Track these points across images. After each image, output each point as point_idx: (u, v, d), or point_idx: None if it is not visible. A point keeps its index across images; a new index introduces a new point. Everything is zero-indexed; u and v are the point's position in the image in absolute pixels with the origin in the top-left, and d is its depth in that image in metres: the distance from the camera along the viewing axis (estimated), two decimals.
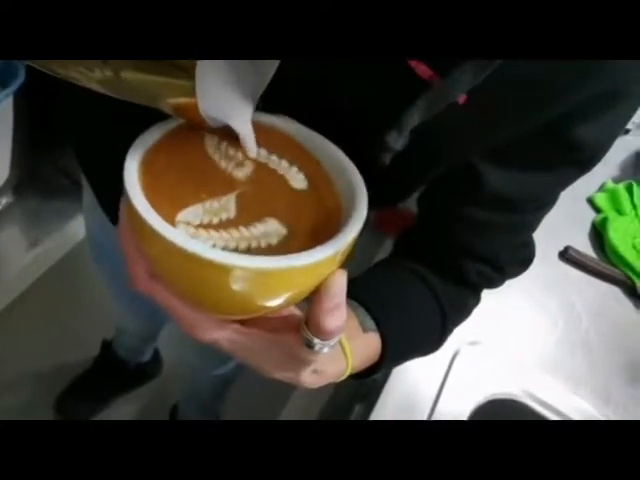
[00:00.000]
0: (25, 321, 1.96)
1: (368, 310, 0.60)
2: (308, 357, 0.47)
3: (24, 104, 1.67)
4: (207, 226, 0.44)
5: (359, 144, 0.50)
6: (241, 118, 0.48)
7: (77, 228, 2.01)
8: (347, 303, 0.47)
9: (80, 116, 0.80)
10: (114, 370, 1.85)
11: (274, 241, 0.44)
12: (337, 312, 0.43)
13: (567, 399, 1.00)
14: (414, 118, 0.53)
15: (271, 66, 0.47)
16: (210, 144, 0.50)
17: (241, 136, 0.48)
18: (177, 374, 1.82)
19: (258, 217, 0.46)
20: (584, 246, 1.29)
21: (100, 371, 1.88)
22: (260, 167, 0.50)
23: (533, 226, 0.69)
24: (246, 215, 0.46)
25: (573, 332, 1.13)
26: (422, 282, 0.67)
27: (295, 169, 0.50)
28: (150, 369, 1.93)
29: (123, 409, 1.89)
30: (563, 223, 1.31)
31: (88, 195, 1.05)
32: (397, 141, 0.54)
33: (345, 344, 0.54)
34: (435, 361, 0.98)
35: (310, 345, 0.44)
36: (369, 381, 1.05)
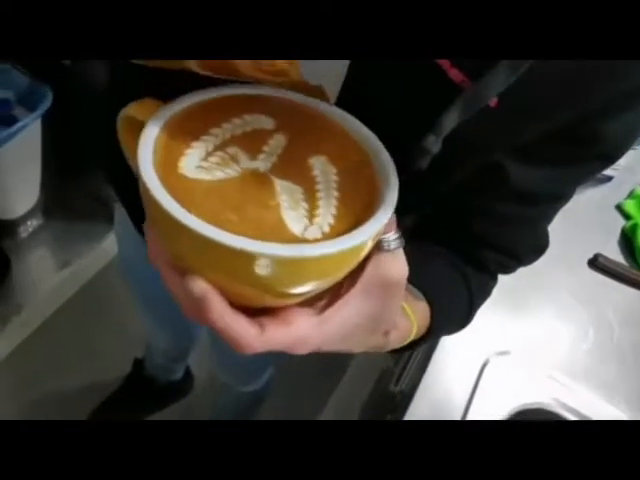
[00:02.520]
0: (56, 341, 1.98)
1: (417, 285, 0.62)
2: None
3: (52, 127, 1.70)
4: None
5: (395, 149, 0.51)
6: None
7: (106, 249, 2.03)
8: None
9: (110, 135, 0.82)
10: (145, 388, 1.87)
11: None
12: None
13: (600, 408, 0.99)
14: (451, 122, 0.53)
15: None
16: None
17: None
18: (208, 393, 1.83)
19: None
20: (614, 253, 1.27)
21: (131, 389, 1.89)
22: (288, 128, 0.48)
23: (550, 218, 0.70)
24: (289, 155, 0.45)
25: (604, 340, 1.11)
26: (457, 269, 0.69)
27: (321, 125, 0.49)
28: (181, 387, 1.94)
29: None
30: (592, 231, 1.30)
31: (120, 211, 1.07)
32: (435, 145, 0.54)
33: (407, 306, 0.56)
34: (464, 372, 0.98)
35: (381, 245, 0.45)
36: (397, 392, 1.04)
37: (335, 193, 0.44)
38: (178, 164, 0.42)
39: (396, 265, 0.47)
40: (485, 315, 1.04)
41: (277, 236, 0.40)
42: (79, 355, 1.97)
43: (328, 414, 1.87)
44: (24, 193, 1.84)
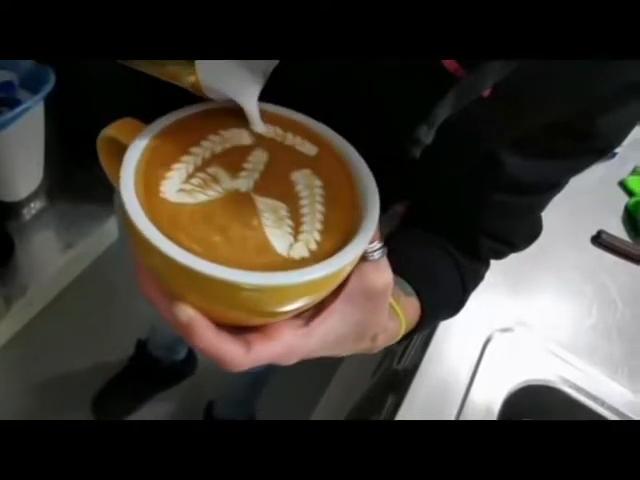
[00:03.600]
0: (61, 322, 1.98)
1: (407, 280, 0.62)
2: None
3: (55, 110, 1.69)
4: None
5: (388, 138, 0.50)
6: (247, 94, 0.46)
7: (110, 230, 2.03)
8: None
9: (113, 117, 0.82)
10: (149, 369, 1.88)
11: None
12: None
13: (602, 384, 0.99)
14: (444, 112, 0.53)
15: None
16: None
17: (246, 111, 0.46)
18: (211, 372, 1.84)
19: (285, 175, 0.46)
20: (617, 230, 1.27)
21: (135, 370, 1.90)
22: (268, 144, 0.48)
23: (544, 205, 0.70)
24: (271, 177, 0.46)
25: (608, 316, 1.11)
26: (448, 256, 0.69)
27: (299, 139, 0.49)
28: (184, 368, 1.95)
29: (158, 408, 1.91)
30: (595, 207, 1.30)
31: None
32: (427, 135, 0.54)
33: (395, 304, 0.56)
34: (467, 349, 0.98)
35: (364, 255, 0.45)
36: (401, 370, 1.05)
37: (320, 207, 0.44)
38: (160, 188, 0.42)
39: (380, 275, 0.47)
40: (488, 292, 1.05)
41: (262, 257, 0.40)
42: (83, 336, 1.98)
43: (332, 393, 1.88)
44: (27, 175, 1.84)
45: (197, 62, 0.39)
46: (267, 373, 1.58)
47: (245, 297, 0.39)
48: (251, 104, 0.47)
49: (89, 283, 2.05)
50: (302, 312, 0.46)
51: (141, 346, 1.87)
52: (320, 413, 1.84)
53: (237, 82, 0.45)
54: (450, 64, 0.50)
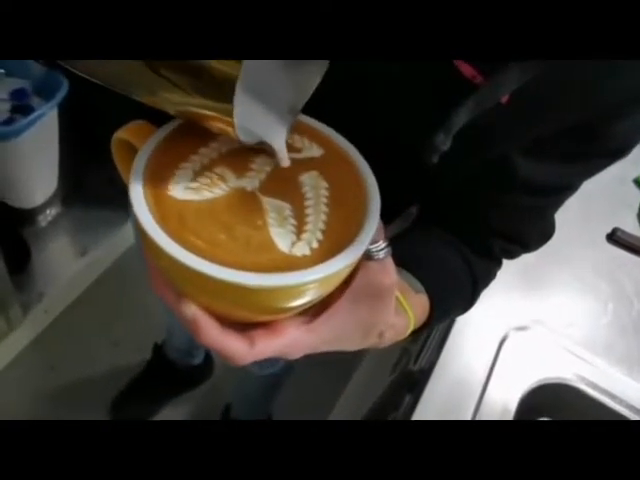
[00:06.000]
0: (78, 327, 2.00)
1: (417, 276, 0.62)
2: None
3: (69, 116, 1.70)
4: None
5: (405, 144, 0.51)
6: (277, 134, 0.47)
7: (125, 235, 2.04)
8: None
9: (126, 122, 0.83)
10: (166, 373, 1.88)
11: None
12: None
13: (620, 381, 0.98)
14: (461, 119, 0.53)
15: (312, 81, 0.47)
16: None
17: (276, 150, 0.47)
18: (228, 375, 1.84)
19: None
20: (632, 227, 1.26)
21: (152, 374, 1.91)
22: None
23: (557, 207, 0.70)
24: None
25: (624, 314, 1.11)
26: (459, 254, 0.69)
27: (307, 141, 0.50)
28: (201, 371, 1.95)
29: (176, 411, 1.91)
30: (610, 205, 1.29)
31: None
32: (445, 142, 0.55)
33: (403, 300, 0.56)
34: (483, 347, 0.98)
35: (369, 255, 0.46)
36: (417, 370, 1.04)
37: (324, 208, 0.45)
38: (168, 186, 0.43)
39: (385, 274, 0.47)
40: (503, 290, 1.05)
41: (265, 255, 0.41)
42: (100, 341, 1.99)
43: (350, 394, 1.88)
44: (43, 182, 1.85)
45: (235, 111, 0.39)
46: (284, 375, 1.58)
47: (247, 297, 0.40)
48: (280, 143, 0.47)
49: (105, 288, 2.07)
50: (307, 309, 0.46)
51: (157, 350, 1.88)
52: (337, 414, 1.84)
53: (268, 122, 0.46)
54: (467, 70, 0.51)
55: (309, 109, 0.50)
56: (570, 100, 0.57)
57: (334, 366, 1.79)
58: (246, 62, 0.35)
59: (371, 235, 0.43)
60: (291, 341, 0.45)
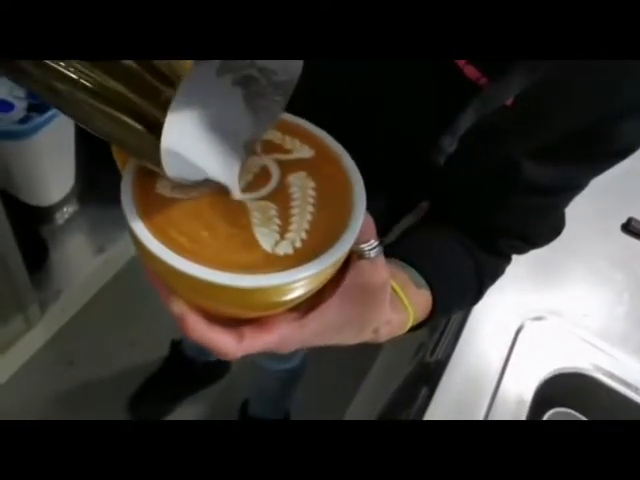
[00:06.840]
0: (95, 325, 2.01)
1: (420, 272, 0.62)
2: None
3: None
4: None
5: (411, 146, 0.51)
6: (226, 172, 0.45)
7: None
8: (399, 264, 0.47)
9: None
10: (183, 369, 1.89)
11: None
12: None
13: (636, 370, 0.98)
14: (467, 121, 0.54)
15: (273, 116, 0.47)
16: None
17: (226, 186, 0.45)
18: (245, 371, 1.85)
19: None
20: None
21: (170, 371, 1.92)
22: (265, 146, 0.49)
23: (566, 205, 0.70)
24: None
25: (639, 303, 1.11)
26: (465, 250, 0.69)
27: (298, 142, 0.50)
28: (218, 367, 1.96)
29: (193, 408, 1.92)
30: (625, 195, 1.29)
31: None
32: (451, 144, 0.55)
33: (403, 296, 0.56)
34: (498, 338, 0.98)
35: (361, 254, 0.46)
36: (433, 362, 1.05)
37: (310, 209, 0.45)
38: (156, 185, 0.44)
39: (376, 272, 0.47)
40: (519, 281, 1.05)
41: (247, 254, 0.41)
42: (118, 338, 2.00)
43: (367, 389, 1.88)
44: (59, 180, 1.86)
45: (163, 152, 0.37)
46: (299, 372, 1.59)
47: (229, 295, 0.41)
48: (231, 179, 0.46)
49: (122, 285, 2.08)
50: (299, 304, 0.47)
51: (175, 346, 1.89)
52: (355, 408, 1.84)
53: (213, 159, 0.45)
54: (471, 72, 0.51)
55: (318, 111, 0.51)
56: (574, 102, 0.57)
57: (351, 359, 1.79)
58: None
59: (355, 235, 0.43)
60: (281, 337, 0.45)
